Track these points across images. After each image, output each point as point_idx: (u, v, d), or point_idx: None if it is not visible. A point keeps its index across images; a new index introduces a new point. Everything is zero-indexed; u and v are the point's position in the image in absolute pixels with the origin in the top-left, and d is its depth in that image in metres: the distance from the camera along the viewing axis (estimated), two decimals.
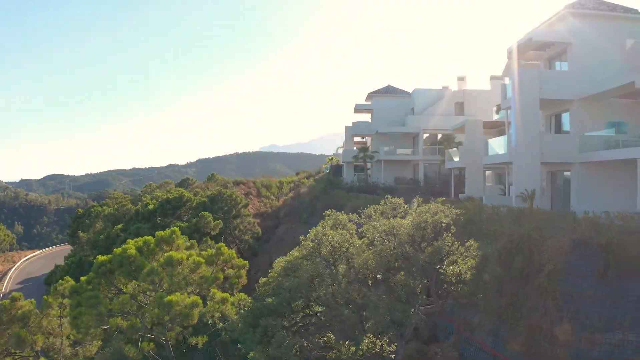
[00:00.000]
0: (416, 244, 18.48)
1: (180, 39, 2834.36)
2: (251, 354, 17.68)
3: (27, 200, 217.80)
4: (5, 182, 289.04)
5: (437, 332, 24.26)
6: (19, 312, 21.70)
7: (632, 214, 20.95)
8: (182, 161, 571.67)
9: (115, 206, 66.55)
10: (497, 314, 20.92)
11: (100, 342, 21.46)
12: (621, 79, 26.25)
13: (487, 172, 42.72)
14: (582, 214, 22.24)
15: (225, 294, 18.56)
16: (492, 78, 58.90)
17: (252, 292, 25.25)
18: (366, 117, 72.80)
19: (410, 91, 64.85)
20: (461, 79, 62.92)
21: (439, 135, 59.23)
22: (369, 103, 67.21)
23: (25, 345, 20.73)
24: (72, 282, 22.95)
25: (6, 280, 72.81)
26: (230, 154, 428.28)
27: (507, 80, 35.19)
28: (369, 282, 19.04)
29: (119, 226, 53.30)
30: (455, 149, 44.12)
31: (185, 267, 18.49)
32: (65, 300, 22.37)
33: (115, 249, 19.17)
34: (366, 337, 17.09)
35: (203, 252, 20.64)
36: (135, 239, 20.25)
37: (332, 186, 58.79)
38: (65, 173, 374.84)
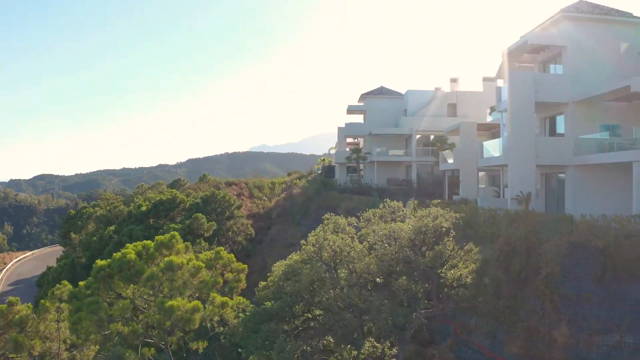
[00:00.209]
0: (417, 248, 18.53)
1: (168, 40, 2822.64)
2: (251, 358, 17.68)
3: (17, 200, 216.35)
4: None
5: (434, 334, 24.32)
6: (16, 316, 21.54)
7: (628, 217, 21.08)
8: (172, 161, 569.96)
9: (108, 207, 66.24)
10: (494, 317, 21.00)
11: (97, 347, 21.36)
12: (616, 82, 26.44)
13: (480, 174, 42.84)
14: (577, 217, 22.39)
15: (226, 298, 18.51)
16: (485, 79, 59.11)
17: (247, 294, 25.25)
18: (359, 118, 72.86)
19: (403, 92, 64.93)
20: (454, 81, 63.09)
21: (432, 137, 59.45)
22: (362, 104, 67.25)
23: (23, 350, 20.58)
24: (69, 286, 22.83)
25: None
26: (221, 154, 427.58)
27: (501, 83, 35.36)
28: (369, 287, 19.07)
29: (112, 228, 53.07)
30: (449, 150, 44.23)
31: (186, 271, 18.43)
32: (63, 305, 22.25)
33: (114, 254, 19.06)
34: (367, 341, 17.12)
35: (202, 256, 20.56)
36: (134, 244, 20.15)
37: (325, 187, 58.75)
38: (55, 173, 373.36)
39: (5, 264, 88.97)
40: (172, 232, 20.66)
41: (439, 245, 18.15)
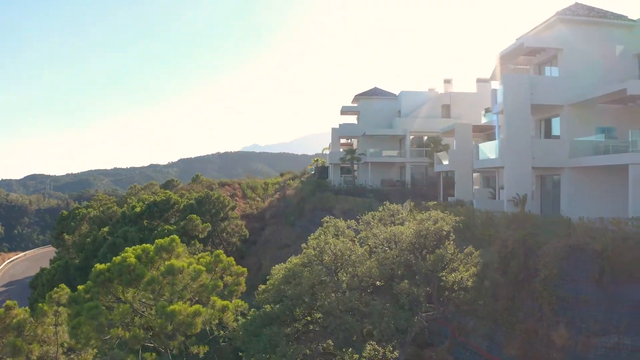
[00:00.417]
0: (418, 251, 18.59)
1: (158, 40, 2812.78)
2: None
3: (8, 200, 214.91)
4: None
5: (431, 336, 24.39)
6: (14, 320, 21.41)
7: (626, 220, 21.24)
8: (163, 161, 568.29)
9: (101, 208, 65.95)
10: (492, 319, 21.08)
11: (95, 350, 21.24)
12: (613, 85, 26.61)
13: (475, 175, 42.99)
14: (572, 218, 22.53)
15: (226, 302, 18.48)
16: (479, 81, 59.29)
17: (243, 296, 25.21)
18: (352, 119, 72.95)
19: (397, 93, 65.05)
20: (447, 82, 63.32)
21: (425, 138, 59.62)
22: (356, 105, 67.34)
23: (21, 354, 20.44)
24: (67, 289, 22.74)
25: None
26: (212, 154, 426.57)
27: (496, 85, 35.46)
28: (369, 290, 19.11)
29: (106, 229, 52.90)
30: (444, 152, 44.36)
31: (186, 275, 18.39)
32: (61, 308, 22.15)
33: (114, 258, 18.96)
34: (369, 344, 17.16)
35: (202, 260, 20.53)
36: (134, 247, 20.07)
37: (319, 188, 58.79)
38: (46, 173, 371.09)
39: None
40: (172, 236, 20.56)
41: (440, 249, 18.21)
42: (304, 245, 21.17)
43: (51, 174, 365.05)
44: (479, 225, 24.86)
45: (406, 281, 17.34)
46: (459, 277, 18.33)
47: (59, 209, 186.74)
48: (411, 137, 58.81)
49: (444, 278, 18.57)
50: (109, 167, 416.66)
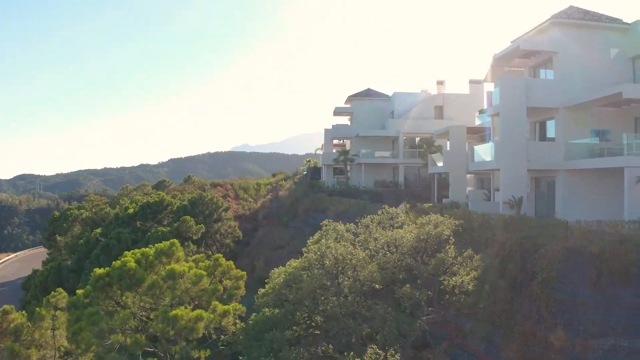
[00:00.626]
0: (418, 255, 18.65)
1: (148, 39, 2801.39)
2: None
3: None
4: None
5: (429, 338, 24.46)
6: (11, 325, 21.29)
7: (622, 223, 21.40)
8: (153, 161, 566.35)
9: (93, 209, 65.58)
10: (490, 321, 21.17)
11: (92, 355, 21.12)
12: (609, 88, 26.81)
13: (468, 176, 43.12)
14: (568, 221, 22.71)
15: (228, 307, 18.44)
16: (471, 82, 59.49)
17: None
18: (345, 120, 73.03)
19: (390, 94, 65.13)
20: (440, 83, 63.47)
21: (417, 139, 59.78)
22: (349, 106, 67.41)
23: (18, 359, 20.32)
24: (64, 293, 22.62)
25: None
26: (203, 154, 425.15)
27: (490, 87, 35.66)
28: (369, 294, 19.14)
29: (98, 230, 52.63)
30: (438, 154, 44.47)
31: (187, 280, 18.34)
32: (58, 312, 22.03)
33: (114, 262, 18.83)
34: (370, 347, 17.18)
35: (201, 264, 20.47)
36: (133, 251, 19.97)
37: (313, 189, 58.78)
38: (36, 173, 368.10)
39: None
40: (171, 240, 20.48)
41: (441, 253, 18.28)
42: (304, 249, 21.16)
43: (41, 174, 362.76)
44: (476, 228, 24.93)
45: (408, 285, 17.39)
46: (460, 280, 18.39)
47: (49, 209, 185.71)
48: (404, 138, 58.90)
49: (445, 282, 18.62)
50: (99, 167, 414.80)
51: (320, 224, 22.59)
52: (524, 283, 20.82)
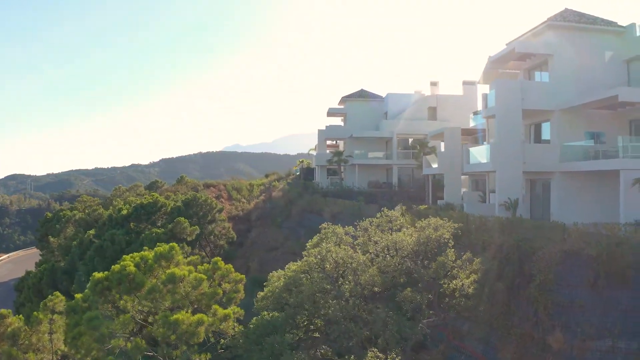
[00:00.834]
0: (418, 259, 18.70)
1: (140, 36, 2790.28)
2: None
3: None
4: None
5: (426, 340, 24.51)
6: (9, 329, 21.16)
7: (619, 225, 21.56)
8: (145, 161, 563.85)
9: (86, 210, 65.30)
10: (487, 323, 21.26)
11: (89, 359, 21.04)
12: (604, 91, 26.98)
13: (463, 177, 43.21)
14: (563, 222, 22.90)
15: (228, 311, 18.41)
16: (465, 83, 59.70)
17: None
18: (337, 121, 73.07)
19: (384, 95, 65.21)
20: (434, 84, 63.59)
21: (410, 140, 59.92)
22: (342, 107, 67.49)
23: None
24: (61, 297, 22.52)
25: None
26: (194, 154, 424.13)
27: (484, 88, 35.77)
28: (369, 297, 19.19)
29: (92, 232, 52.41)
30: (433, 155, 44.57)
31: (187, 284, 18.30)
32: (56, 316, 21.94)
33: (113, 266, 18.74)
34: (370, 351, 17.23)
35: (200, 267, 20.42)
36: (132, 255, 19.90)
37: (307, 190, 58.79)
38: (27, 173, 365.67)
39: None
40: (171, 244, 20.43)
41: (441, 256, 18.34)
42: (305, 253, 21.17)
43: (32, 174, 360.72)
44: (473, 231, 25.01)
45: (409, 289, 17.45)
46: (460, 284, 18.46)
47: (40, 209, 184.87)
48: (398, 139, 58.98)
49: (446, 285, 18.69)
50: (90, 167, 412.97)
51: (320, 227, 22.60)
52: (522, 285, 20.92)
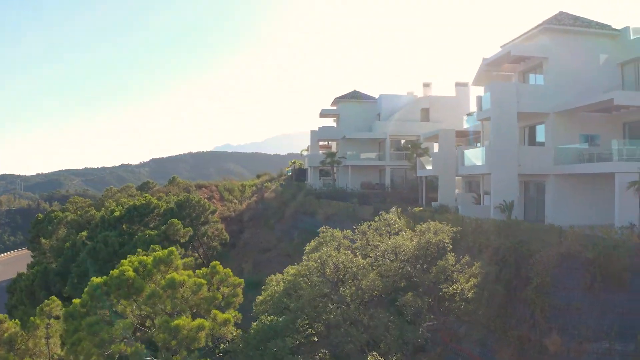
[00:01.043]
0: (419, 263, 18.76)
1: (131, 38, 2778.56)
2: None
3: None
4: None
5: (425, 344, 24.55)
6: (5, 334, 20.99)
7: (615, 228, 21.75)
8: (135, 161, 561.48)
9: (78, 212, 64.85)
10: (484, 325, 21.36)
11: None
12: (600, 95, 27.16)
13: (456, 178, 43.32)
14: (558, 225, 23.13)
15: (228, 315, 18.36)
16: (458, 85, 59.83)
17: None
18: (329, 122, 73.08)
19: (376, 97, 65.26)
20: (427, 85, 63.69)
21: (402, 141, 60.06)
22: (335, 108, 67.48)
23: None
24: (58, 302, 22.38)
25: None
26: (184, 154, 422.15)
27: (478, 91, 35.89)
28: (367, 301, 19.22)
29: (84, 233, 52.03)
30: (427, 157, 44.69)
31: (187, 288, 18.25)
32: (52, 321, 21.81)
33: (112, 271, 18.62)
34: (370, 355, 17.27)
35: (198, 271, 20.36)
36: (129, 259, 19.82)
37: (300, 192, 58.78)
38: (16, 173, 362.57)
39: None
40: (170, 248, 20.35)
41: (441, 261, 18.41)
42: (305, 257, 21.16)
43: (21, 174, 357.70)
44: (469, 233, 25.11)
45: (410, 293, 17.50)
46: (460, 287, 18.54)
47: (30, 209, 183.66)
48: (390, 140, 59.04)
49: (446, 290, 18.75)
50: (80, 166, 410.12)
51: (318, 230, 22.60)
52: (519, 288, 21.05)
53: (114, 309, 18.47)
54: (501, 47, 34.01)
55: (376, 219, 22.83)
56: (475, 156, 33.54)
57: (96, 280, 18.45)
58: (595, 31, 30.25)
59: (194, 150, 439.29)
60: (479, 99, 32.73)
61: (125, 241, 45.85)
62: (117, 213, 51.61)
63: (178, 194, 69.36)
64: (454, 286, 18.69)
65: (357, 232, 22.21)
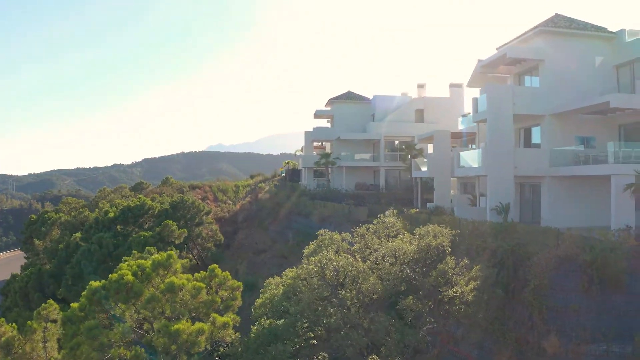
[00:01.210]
0: (419, 267, 18.80)
1: (122, 36, 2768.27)
2: None
3: None
4: None
5: (422, 346, 24.57)
6: (2, 339, 20.84)
7: (612, 231, 21.85)
8: (127, 161, 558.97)
9: (72, 213, 64.58)
10: (482, 327, 21.41)
11: None
12: (597, 97, 27.27)
13: (451, 180, 43.39)
14: (554, 226, 23.28)
15: (227, 319, 18.31)
16: (452, 85, 59.96)
17: None
18: (323, 122, 73.04)
19: (371, 97, 65.30)
20: (421, 86, 63.76)
21: (396, 142, 60.16)
22: (329, 109, 67.44)
23: None
24: (55, 305, 22.25)
25: None
26: (177, 154, 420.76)
27: (473, 92, 35.97)
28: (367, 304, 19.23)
29: (78, 235, 51.79)
30: (422, 158, 44.74)
31: (186, 292, 18.19)
32: (49, 324, 21.68)
33: (110, 275, 18.53)
34: (370, 358, 17.29)
35: (197, 275, 20.30)
36: (128, 263, 19.74)
37: (295, 192, 58.78)
38: (8, 173, 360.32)
39: None
40: (169, 252, 20.28)
41: (441, 264, 18.45)
42: (304, 261, 21.14)
43: (13, 174, 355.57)
44: (467, 235, 25.15)
45: (411, 297, 17.54)
46: (459, 291, 18.59)
47: (22, 209, 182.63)
48: (385, 141, 59.11)
49: (446, 293, 18.80)
50: (72, 167, 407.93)
51: (317, 233, 22.59)
52: (516, 290, 21.12)
53: (113, 313, 18.39)
54: (497, 49, 34.09)
55: (375, 221, 22.83)
56: (471, 158, 33.59)
57: (95, 284, 18.36)
58: (591, 34, 30.35)
59: (187, 150, 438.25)
60: (475, 100, 32.80)
61: (120, 242, 45.72)
62: (111, 214, 51.43)
63: (172, 194, 69.25)
64: (453, 289, 18.74)
65: (355, 235, 22.21)
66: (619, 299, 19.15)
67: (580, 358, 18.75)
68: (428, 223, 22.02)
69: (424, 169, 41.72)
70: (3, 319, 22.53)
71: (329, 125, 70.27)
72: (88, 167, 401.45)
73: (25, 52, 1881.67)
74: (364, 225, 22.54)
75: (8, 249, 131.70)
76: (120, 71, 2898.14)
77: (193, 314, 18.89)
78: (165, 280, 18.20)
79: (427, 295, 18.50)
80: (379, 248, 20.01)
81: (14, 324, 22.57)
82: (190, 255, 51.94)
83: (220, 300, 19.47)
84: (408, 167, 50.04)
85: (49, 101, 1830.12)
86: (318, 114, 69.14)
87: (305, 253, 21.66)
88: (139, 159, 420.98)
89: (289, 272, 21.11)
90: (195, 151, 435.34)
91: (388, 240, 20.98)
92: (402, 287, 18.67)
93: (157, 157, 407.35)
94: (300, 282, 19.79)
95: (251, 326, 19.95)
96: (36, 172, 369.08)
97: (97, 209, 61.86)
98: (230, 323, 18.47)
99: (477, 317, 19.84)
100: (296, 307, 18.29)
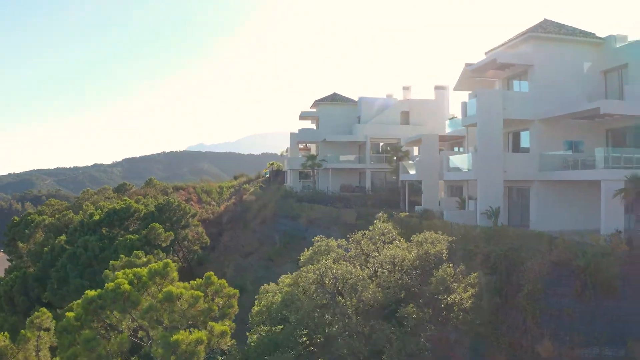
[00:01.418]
0: (418, 274, 18.87)
1: (103, 37, 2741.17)
2: None
3: None
4: None
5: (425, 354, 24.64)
6: None
7: (603, 236, 22.10)
8: (107, 160, 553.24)
9: (57, 215, 63.80)
10: (476, 332, 21.54)
11: None
12: (587, 103, 27.53)
13: (439, 182, 43.57)
14: (543, 230, 23.57)
15: (225, 327, 18.19)
16: (437, 88, 60.22)
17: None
18: (308, 124, 73.00)
19: (356, 99, 65.33)
20: (406, 89, 63.95)
21: (381, 144, 60.30)
22: (315, 110, 67.36)
23: None
24: (48, 314, 21.97)
25: None
26: (158, 153, 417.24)
27: (461, 96, 36.17)
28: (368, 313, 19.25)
29: (63, 237, 51.22)
30: (408, 160, 44.86)
31: (184, 302, 18.04)
32: (42, 333, 21.41)
33: (107, 284, 18.32)
34: None
35: (193, 282, 20.16)
36: (124, 271, 19.52)
37: (280, 194, 58.71)
38: None
39: None
40: (165, 260, 20.11)
41: (439, 271, 18.53)
42: (303, 269, 21.08)
43: None
44: (459, 240, 25.25)
45: (412, 305, 17.60)
46: (458, 298, 18.69)
47: (2, 210, 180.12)
48: (370, 143, 59.18)
49: (445, 300, 18.89)
50: (52, 166, 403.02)
51: (312, 239, 22.55)
52: (510, 295, 21.29)
53: (109, 322, 18.20)
54: (485, 53, 34.32)
55: (370, 227, 22.86)
56: (461, 162, 33.75)
57: (90, 293, 18.14)
58: (580, 39, 30.62)
59: (167, 150, 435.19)
60: (464, 104, 32.93)
61: (106, 245, 45.35)
62: (96, 217, 50.98)
63: (156, 196, 68.84)
64: (452, 296, 18.84)
65: (351, 241, 22.22)
66: (612, 304, 19.39)
67: None
68: (423, 229, 22.12)
69: (412, 172, 41.81)
70: None
71: (314, 126, 70.16)
72: (68, 166, 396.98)
73: (1, 52, 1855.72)
74: (359, 232, 22.56)
75: None
76: (101, 71, 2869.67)
77: (190, 323, 18.75)
78: (163, 290, 18.04)
79: (426, 303, 18.58)
80: (377, 255, 20.02)
81: (6, 333, 22.25)
82: (176, 258, 51.62)
83: (217, 308, 19.34)
84: (394, 169, 50.15)
85: (28, 100, 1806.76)
86: (303, 116, 69.08)
87: (302, 260, 21.62)
88: (119, 159, 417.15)
89: (286, 279, 21.06)
90: (177, 151, 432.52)
91: (384, 247, 21.03)
92: (402, 295, 18.73)
93: (137, 156, 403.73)
94: (297, 289, 19.74)
95: (247, 333, 19.88)
96: (16, 172, 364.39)
97: (81, 211, 61.22)
98: (228, 331, 18.36)
99: (475, 324, 19.95)
100: (296, 316, 18.25)
